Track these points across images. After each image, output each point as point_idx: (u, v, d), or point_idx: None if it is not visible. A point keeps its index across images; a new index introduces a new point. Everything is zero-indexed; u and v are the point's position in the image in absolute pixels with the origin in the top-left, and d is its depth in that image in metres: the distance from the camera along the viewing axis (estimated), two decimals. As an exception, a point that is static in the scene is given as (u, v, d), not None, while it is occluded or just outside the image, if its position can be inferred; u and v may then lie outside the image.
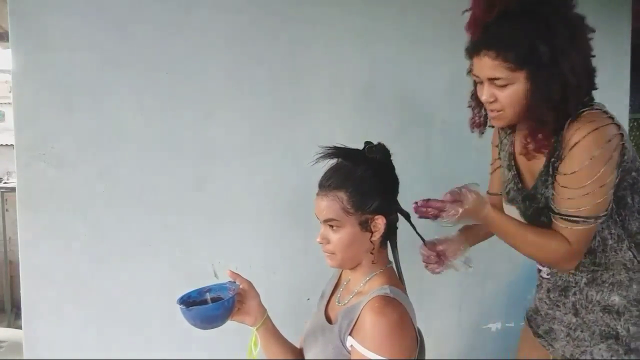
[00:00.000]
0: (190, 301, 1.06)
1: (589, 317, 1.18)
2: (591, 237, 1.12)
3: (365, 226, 1.03)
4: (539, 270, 1.34)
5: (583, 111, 1.06)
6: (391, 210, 1.08)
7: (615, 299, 1.15)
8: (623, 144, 1.06)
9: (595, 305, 1.18)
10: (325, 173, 1.06)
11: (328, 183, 1.04)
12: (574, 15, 1.07)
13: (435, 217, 1.09)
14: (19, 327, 1.90)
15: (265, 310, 1.12)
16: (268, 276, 1.69)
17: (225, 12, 1.61)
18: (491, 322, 2.08)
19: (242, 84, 1.64)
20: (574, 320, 1.22)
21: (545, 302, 1.31)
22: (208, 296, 1.09)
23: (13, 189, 2.60)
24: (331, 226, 1.04)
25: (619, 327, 1.14)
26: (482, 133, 1.28)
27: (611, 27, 2.18)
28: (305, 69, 1.72)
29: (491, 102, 1.10)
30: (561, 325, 1.25)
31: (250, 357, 1.10)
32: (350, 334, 0.99)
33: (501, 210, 1.29)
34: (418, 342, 1.04)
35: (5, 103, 5.45)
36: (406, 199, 1.12)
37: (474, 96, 1.21)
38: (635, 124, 3.86)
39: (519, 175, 1.25)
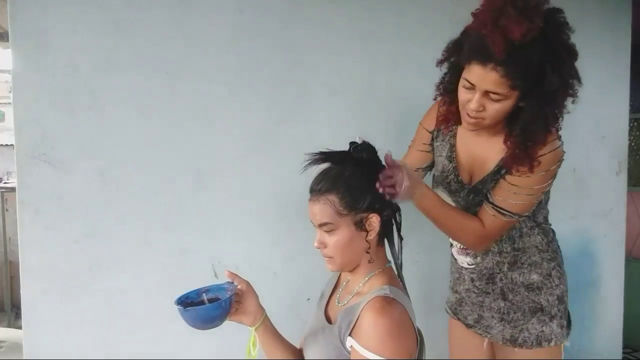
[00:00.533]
0: (188, 302, 1.06)
1: (516, 298, 1.34)
2: (506, 229, 1.28)
3: (360, 225, 1.03)
4: (455, 260, 1.43)
5: None
6: (384, 207, 1.07)
7: (534, 277, 1.33)
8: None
9: (520, 286, 1.33)
10: (315, 178, 1.07)
11: (318, 187, 1.05)
12: (572, 44, 1.11)
13: (392, 195, 1.06)
14: (19, 327, 1.90)
15: (264, 310, 1.11)
16: (268, 276, 1.69)
17: (225, 12, 1.61)
18: (491, 322, 2.07)
19: (242, 84, 1.64)
20: (502, 304, 1.35)
21: (473, 291, 1.40)
22: (205, 297, 1.09)
23: (13, 189, 2.60)
24: (326, 230, 1.04)
25: (542, 300, 1.32)
26: (450, 131, 1.34)
27: (611, 27, 2.18)
28: (305, 69, 1.71)
29: (477, 111, 1.13)
30: (492, 312, 1.37)
31: (249, 357, 1.10)
32: (350, 335, 0.99)
33: None
34: (418, 342, 1.04)
35: (5, 103, 5.46)
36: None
37: (446, 91, 1.27)
38: (635, 124, 3.86)
39: (460, 175, 1.34)
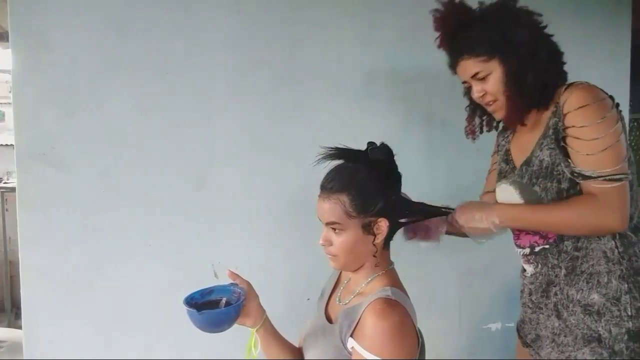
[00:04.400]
0: (193, 303, 1.04)
1: (571, 319, 1.15)
2: (623, 192, 1.05)
3: (367, 229, 1.02)
4: (523, 270, 1.33)
5: (572, 82, 1.18)
6: (393, 212, 1.06)
7: (595, 297, 1.11)
8: (619, 109, 1.16)
9: (575, 305, 1.14)
10: (327, 174, 1.04)
11: (330, 185, 1.02)
12: (528, 20, 1.18)
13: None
14: (19, 327, 1.90)
15: (264, 311, 1.11)
16: (268, 276, 1.69)
17: (225, 13, 1.61)
18: (491, 322, 2.07)
19: (242, 84, 1.64)
20: (556, 324, 1.19)
21: (528, 306, 1.29)
22: (212, 298, 1.08)
23: (13, 189, 2.60)
24: (334, 229, 1.03)
25: (600, 329, 1.11)
26: (474, 139, 1.39)
27: (611, 27, 2.18)
28: (305, 69, 1.71)
29: (482, 96, 1.21)
30: (547, 331, 1.22)
31: (250, 358, 1.09)
32: (351, 336, 0.99)
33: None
34: (419, 344, 1.04)
35: (5, 103, 5.46)
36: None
37: (471, 105, 1.35)
38: (635, 124, 3.86)
39: (514, 164, 1.31)
